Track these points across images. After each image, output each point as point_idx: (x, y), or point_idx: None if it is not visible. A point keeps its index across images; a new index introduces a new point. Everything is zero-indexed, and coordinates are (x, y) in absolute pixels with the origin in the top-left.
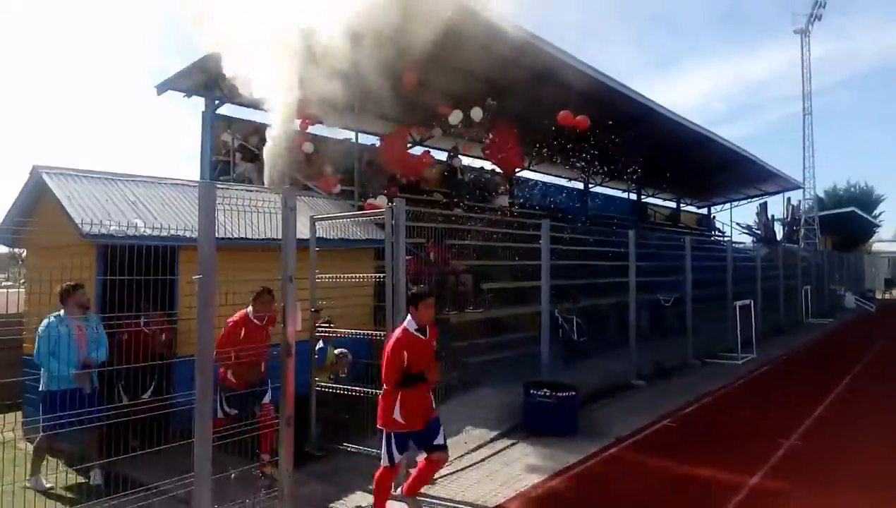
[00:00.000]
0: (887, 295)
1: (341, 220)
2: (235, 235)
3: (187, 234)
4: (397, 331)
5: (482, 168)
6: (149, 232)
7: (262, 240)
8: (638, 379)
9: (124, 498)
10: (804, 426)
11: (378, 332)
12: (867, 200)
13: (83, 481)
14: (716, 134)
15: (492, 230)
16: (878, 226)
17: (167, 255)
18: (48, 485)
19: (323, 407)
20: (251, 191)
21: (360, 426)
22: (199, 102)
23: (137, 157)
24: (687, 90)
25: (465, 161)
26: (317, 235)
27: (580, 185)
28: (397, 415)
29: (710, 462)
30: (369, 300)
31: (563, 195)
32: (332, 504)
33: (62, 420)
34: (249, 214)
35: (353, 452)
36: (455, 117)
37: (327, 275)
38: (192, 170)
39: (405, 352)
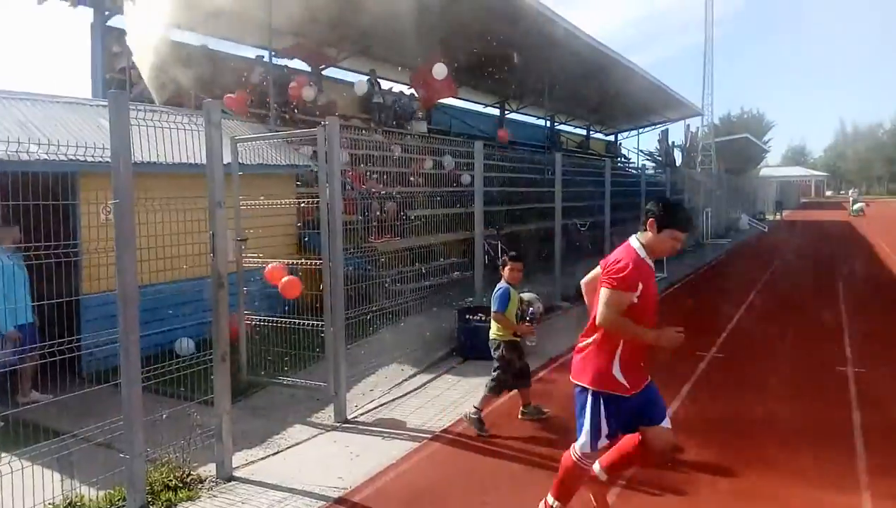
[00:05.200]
0: (777, 216)
1: (257, 146)
2: (150, 159)
3: (89, 158)
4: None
5: (401, 92)
6: (45, 156)
7: (184, 164)
8: (562, 301)
9: (44, 449)
10: (721, 339)
11: (304, 261)
12: (758, 127)
13: None
14: (629, 60)
15: (416, 157)
16: (767, 151)
17: (65, 183)
18: None
19: (252, 341)
20: (156, 110)
21: (293, 358)
22: (87, 14)
23: (20, 77)
24: (598, 15)
25: (383, 85)
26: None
27: (496, 112)
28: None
29: None
30: (293, 228)
31: (481, 121)
32: (272, 439)
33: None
34: (164, 134)
35: (287, 385)
36: None
37: (253, 202)
38: (82, 91)
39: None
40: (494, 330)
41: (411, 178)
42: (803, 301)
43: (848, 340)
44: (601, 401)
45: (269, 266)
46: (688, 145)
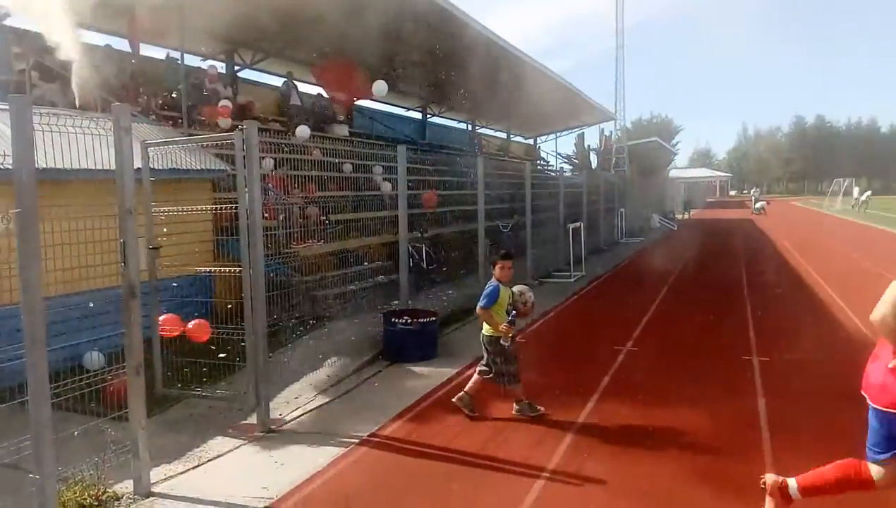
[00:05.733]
0: (686, 215)
1: (171, 150)
2: (55, 166)
3: None
4: None
5: (319, 94)
6: None
7: (92, 170)
8: None
9: None
10: (636, 333)
11: (222, 268)
12: (667, 131)
13: None
14: (547, 67)
15: (340, 160)
16: (676, 154)
17: None
18: None
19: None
20: (60, 114)
21: (211, 368)
22: None
23: None
24: (515, 21)
25: (302, 88)
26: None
27: (418, 115)
28: None
29: (565, 371)
30: (209, 235)
31: (403, 125)
32: (192, 452)
33: None
34: (71, 140)
35: (206, 396)
36: None
37: (167, 209)
38: None
39: None
40: (486, 326)
41: (330, 185)
42: (711, 294)
43: (752, 331)
44: None
45: (161, 318)
46: (602, 148)
